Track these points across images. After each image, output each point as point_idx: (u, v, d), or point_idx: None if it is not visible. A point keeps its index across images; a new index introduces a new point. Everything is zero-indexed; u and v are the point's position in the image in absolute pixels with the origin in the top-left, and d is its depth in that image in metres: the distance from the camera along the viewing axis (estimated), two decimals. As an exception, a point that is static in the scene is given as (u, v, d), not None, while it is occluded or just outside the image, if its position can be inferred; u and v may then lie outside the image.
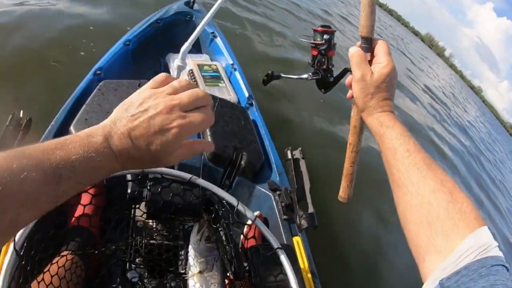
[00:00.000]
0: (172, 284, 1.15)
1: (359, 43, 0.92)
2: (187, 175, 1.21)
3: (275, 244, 1.15)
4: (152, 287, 1.16)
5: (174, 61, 2.04)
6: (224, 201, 1.22)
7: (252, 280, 1.21)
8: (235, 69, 2.74)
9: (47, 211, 0.53)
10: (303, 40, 1.05)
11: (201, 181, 1.22)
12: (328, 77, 1.03)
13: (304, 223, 1.33)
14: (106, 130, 0.57)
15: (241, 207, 1.20)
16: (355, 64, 0.88)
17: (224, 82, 2.54)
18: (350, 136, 0.99)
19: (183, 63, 2.03)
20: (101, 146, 0.56)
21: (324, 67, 1.02)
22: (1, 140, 1.37)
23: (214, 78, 2.54)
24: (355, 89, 0.89)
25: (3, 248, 0.94)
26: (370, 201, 3.77)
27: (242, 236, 1.37)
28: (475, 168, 9.70)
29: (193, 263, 1.04)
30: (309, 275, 1.39)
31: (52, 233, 1.01)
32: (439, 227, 0.62)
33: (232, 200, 1.21)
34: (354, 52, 0.89)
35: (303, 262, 1.43)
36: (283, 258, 1.12)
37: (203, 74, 2.53)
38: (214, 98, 1.98)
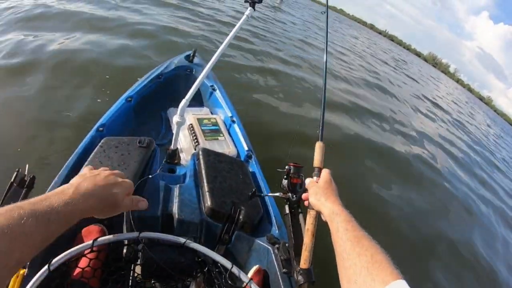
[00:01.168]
0: None
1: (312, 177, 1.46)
2: (181, 240, 1.22)
3: None
4: None
5: (174, 117, 2.10)
6: (219, 264, 1.24)
7: None
8: (234, 122, 2.80)
9: (42, 248, 0.75)
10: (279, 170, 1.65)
11: (195, 245, 1.23)
12: (292, 196, 1.55)
13: (301, 279, 1.33)
14: (74, 185, 0.90)
15: (235, 270, 1.20)
16: (309, 186, 1.37)
17: (223, 135, 2.59)
18: (305, 238, 1.35)
19: (182, 119, 2.09)
20: (73, 194, 0.86)
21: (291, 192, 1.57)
22: (6, 197, 1.41)
23: (213, 131, 2.60)
24: (311, 199, 1.30)
25: None
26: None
27: None
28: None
29: None
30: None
31: None
32: (362, 283, 0.79)
33: (226, 263, 1.22)
34: (309, 181, 1.40)
35: None
36: None
37: (202, 128, 2.58)
38: (212, 153, 2.02)
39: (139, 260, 1.20)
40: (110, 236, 1.14)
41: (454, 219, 5.81)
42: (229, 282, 1.20)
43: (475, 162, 10.74)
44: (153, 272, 1.20)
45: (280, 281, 1.52)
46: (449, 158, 9.22)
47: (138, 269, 1.26)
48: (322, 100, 1.74)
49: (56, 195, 0.82)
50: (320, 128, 1.61)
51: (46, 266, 1.00)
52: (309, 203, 1.34)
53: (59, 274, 1.03)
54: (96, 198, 0.92)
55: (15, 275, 1.22)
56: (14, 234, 0.67)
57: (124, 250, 1.20)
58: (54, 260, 1.02)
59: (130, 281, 1.31)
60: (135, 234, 1.17)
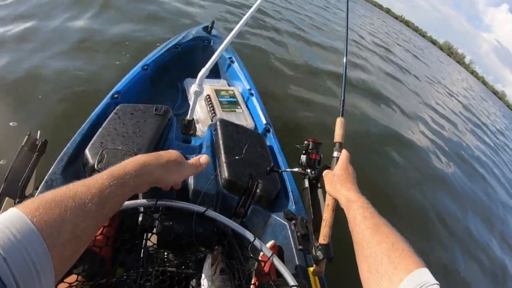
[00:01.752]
0: None
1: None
2: (201, 208, 1.17)
3: (291, 281, 1.09)
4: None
5: (192, 87, 2.04)
6: (239, 236, 1.19)
7: None
8: (252, 94, 2.73)
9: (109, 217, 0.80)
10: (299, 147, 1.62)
11: (216, 215, 1.18)
12: (311, 172, 1.53)
13: (319, 255, 1.28)
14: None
15: (257, 242, 1.15)
16: (325, 174, 1.31)
17: (241, 108, 2.53)
18: (324, 213, 1.31)
19: (200, 88, 2.03)
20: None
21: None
22: (17, 161, 1.37)
23: (231, 103, 2.53)
24: (327, 187, 1.27)
25: None
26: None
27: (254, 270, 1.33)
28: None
29: None
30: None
31: None
32: (383, 271, 0.75)
33: (249, 235, 1.17)
34: (326, 173, 1.30)
35: None
36: None
37: (220, 99, 2.52)
38: (230, 124, 1.96)
39: (155, 229, 1.15)
40: (127, 202, 1.09)
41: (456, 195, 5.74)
42: (251, 255, 1.15)
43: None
44: (169, 242, 1.15)
45: (296, 257, 1.47)
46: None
47: (153, 239, 1.21)
48: (343, 76, 1.71)
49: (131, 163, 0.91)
50: (341, 103, 1.58)
51: None
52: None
53: None
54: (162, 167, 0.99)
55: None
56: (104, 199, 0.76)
57: (140, 218, 1.15)
58: None
59: (143, 252, 1.27)
60: (152, 201, 1.13)
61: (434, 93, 14.15)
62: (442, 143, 8.04)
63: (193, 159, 1.14)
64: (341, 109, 1.57)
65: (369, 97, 7.83)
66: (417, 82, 13.71)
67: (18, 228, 0.57)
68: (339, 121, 1.51)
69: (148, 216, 1.14)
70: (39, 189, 1.39)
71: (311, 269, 1.45)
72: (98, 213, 0.73)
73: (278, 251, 1.50)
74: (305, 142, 1.58)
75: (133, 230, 1.18)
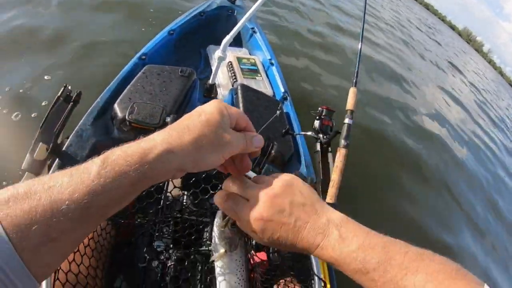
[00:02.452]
0: (196, 257, 1.23)
1: None
2: None
3: None
4: (176, 257, 1.23)
5: (215, 53, 2.13)
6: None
7: (270, 255, 1.28)
8: (272, 64, 2.81)
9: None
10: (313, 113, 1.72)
11: None
12: (323, 137, 1.60)
13: None
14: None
15: None
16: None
17: (261, 76, 2.61)
18: (332, 175, 1.33)
19: (224, 54, 2.12)
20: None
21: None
22: (52, 111, 1.49)
23: (251, 71, 2.62)
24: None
25: None
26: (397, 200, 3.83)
27: None
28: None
29: (218, 242, 1.10)
30: (325, 264, 1.45)
31: None
32: None
33: None
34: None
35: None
36: None
37: (241, 66, 2.60)
38: (250, 89, 2.06)
39: None
40: None
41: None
42: None
43: None
44: (190, 185, 1.27)
45: None
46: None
47: (176, 183, 1.33)
48: (359, 49, 1.78)
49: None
50: (355, 75, 1.67)
51: None
52: None
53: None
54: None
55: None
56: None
57: None
58: None
59: (163, 198, 1.40)
60: None
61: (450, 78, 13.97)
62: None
63: (244, 133, 0.71)
64: (354, 80, 1.66)
65: (385, 76, 7.82)
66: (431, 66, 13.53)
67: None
68: (352, 91, 1.61)
69: None
70: (70, 137, 1.52)
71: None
72: (80, 213, 0.51)
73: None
74: (319, 108, 1.68)
75: None
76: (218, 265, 1.10)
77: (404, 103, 6.83)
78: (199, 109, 0.65)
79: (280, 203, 0.66)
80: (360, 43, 1.82)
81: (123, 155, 0.55)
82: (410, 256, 0.60)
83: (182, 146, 0.59)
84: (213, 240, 1.04)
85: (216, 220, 1.05)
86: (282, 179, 0.70)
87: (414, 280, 0.57)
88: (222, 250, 1.09)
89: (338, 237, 0.64)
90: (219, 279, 1.08)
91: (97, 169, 0.53)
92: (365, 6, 2.06)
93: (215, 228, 1.03)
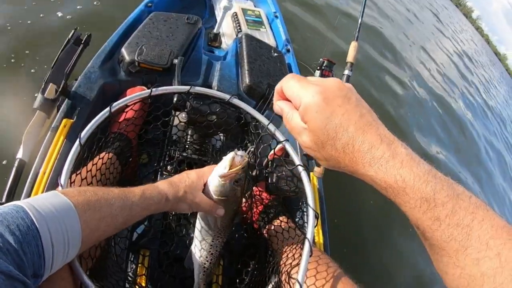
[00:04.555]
0: None
1: None
2: (226, 95, 1.34)
3: (297, 161, 1.24)
4: None
5: (221, 2, 2.16)
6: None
7: (268, 186, 1.37)
8: (276, 17, 2.83)
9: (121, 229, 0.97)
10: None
11: (238, 102, 1.36)
12: None
13: None
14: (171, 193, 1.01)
15: (271, 127, 1.30)
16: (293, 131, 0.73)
17: (265, 28, 2.64)
18: None
19: (230, 4, 2.15)
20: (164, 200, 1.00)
21: None
22: (62, 53, 1.55)
23: (256, 23, 2.64)
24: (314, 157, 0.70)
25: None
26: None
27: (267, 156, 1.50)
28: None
29: (212, 189, 1.06)
30: (318, 210, 1.54)
31: (98, 136, 1.14)
32: None
33: (263, 120, 1.33)
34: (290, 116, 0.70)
35: (315, 197, 1.57)
36: (304, 175, 1.19)
37: (246, 17, 2.62)
38: (254, 39, 2.11)
39: (186, 109, 1.32)
40: (165, 87, 1.26)
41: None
42: (269, 132, 1.31)
43: None
44: (196, 120, 1.34)
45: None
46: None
47: (181, 118, 1.41)
48: (362, 4, 1.80)
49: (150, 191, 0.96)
50: (357, 29, 1.71)
51: (107, 108, 1.12)
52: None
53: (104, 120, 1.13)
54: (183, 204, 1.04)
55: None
56: (103, 214, 0.82)
57: (175, 99, 1.32)
58: (114, 104, 1.15)
59: (168, 135, 1.50)
60: (186, 87, 1.29)
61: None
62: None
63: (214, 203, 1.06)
64: (356, 34, 1.71)
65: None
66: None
67: (68, 222, 0.73)
68: (353, 45, 1.67)
69: (181, 97, 1.32)
70: (79, 79, 1.59)
71: (311, 173, 1.66)
72: (122, 225, 0.90)
73: (286, 154, 1.69)
74: (320, 59, 1.74)
75: (165, 109, 1.37)
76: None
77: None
78: (186, 174, 1.08)
79: (346, 94, 0.60)
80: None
81: (150, 197, 0.94)
82: (474, 202, 0.52)
83: (176, 197, 1.00)
84: (207, 184, 1.07)
85: (220, 168, 1.02)
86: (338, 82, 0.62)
87: (479, 231, 0.50)
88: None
89: (406, 154, 0.55)
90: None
91: (138, 200, 0.91)
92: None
93: (215, 175, 1.03)
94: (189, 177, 1.05)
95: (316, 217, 1.06)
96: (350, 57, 1.64)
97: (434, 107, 6.76)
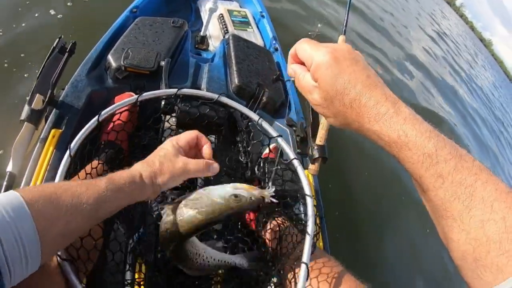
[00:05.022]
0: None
1: None
2: (214, 95, 1.31)
3: (292, 155, 1.23)
4: (171, 198, 1.26)
5: (206, 5, 2.15)
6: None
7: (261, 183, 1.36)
8: (263, 17, 2.83)
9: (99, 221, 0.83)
10: None
11: (227, 100, 1.33)
12: None
13: (315, 153, 1.45)
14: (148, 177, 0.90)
15: (265, 124, 1.28)
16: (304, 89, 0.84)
17: (252, 28, 2.64)
18: (321, 118, 1.30)
19: (215, 5, 2.14)
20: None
21: None
22: (48, 62, 1.53)
23: (242, 23, 2.63)
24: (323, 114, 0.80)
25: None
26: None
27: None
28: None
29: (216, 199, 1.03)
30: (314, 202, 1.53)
31: (88, 146, 1.11)
32: (489, 262, 0.49)
33: (254, 116, 1.31)
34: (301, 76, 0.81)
35: (312, 191, 1.56)
36: (299, 169, 1.19)
37: (232, 18, 2.62)
38: (242, 39, 2.10)
39: (175, 113, 1.32)
40: (151, 92, 1.24)
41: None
42: (260, 129, 1.29)
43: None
44: (186, 124, 1.32)
45: None
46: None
47: (172, 123, 1.40)
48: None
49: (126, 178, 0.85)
50: (344, 23, 1.69)
51: (96, 117, 1.09)
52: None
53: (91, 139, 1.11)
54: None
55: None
56: (62, 202, 0.70)
57: (163, 103, 1.31)
58: (103, 112, 1.12)
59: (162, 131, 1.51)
60: (174, 90, 1.27)
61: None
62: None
63: (204, 160, 0.99)
64: (344, 28, 1.68)
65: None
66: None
67: (16, 213, 0.61)
68: (341, 39, 1.65)
69: (169, 101, 1.31)
70: (66, 88, 1.57)
71: (306, 171, 1.65)
72: (92, 214, 0.75)
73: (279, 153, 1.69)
74: None
75: (154, 115, 1.36)
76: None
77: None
78: (159, 147, 0.97)
79: (355, 57, 0.69)
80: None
81: (120, 177, 0.83)
82: (478, 165, 0.54)
83: (152, 172, 0.89)
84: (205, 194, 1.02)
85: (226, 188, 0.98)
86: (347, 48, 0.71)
87: (483, 193, 0.50)
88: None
89: (409, 113, 0.60)
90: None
91: (105, 184, 0.78)
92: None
93: (219, 188, 0.99)
94: (162, 147, 0.96)
95: (315, 205, 1.06)
96: None
97: (423, 91, 6.81)
